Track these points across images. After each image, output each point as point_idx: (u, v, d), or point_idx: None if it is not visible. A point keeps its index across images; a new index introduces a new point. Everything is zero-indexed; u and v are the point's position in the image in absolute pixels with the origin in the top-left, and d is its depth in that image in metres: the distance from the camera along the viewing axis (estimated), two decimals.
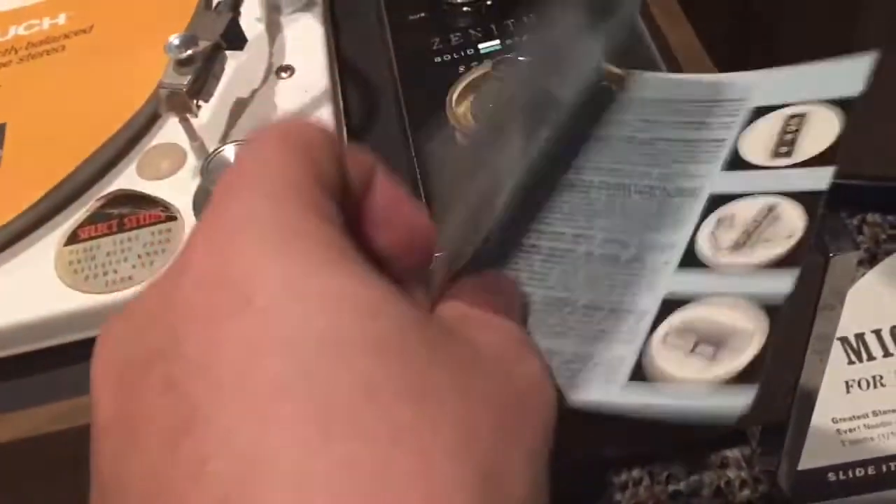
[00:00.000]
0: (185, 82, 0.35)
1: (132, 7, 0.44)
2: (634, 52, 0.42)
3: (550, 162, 0.30)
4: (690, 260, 0.25)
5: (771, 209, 0.25)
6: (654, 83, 0.34)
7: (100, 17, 0.44)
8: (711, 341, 0.22)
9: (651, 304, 0.24)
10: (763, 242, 0.23)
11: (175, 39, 0.35)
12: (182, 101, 0.36)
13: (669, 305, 0.24)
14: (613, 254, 0.26)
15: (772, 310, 0.22)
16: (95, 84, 0.41)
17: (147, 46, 0.42)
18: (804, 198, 0.25)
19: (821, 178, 0.25)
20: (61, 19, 0.44)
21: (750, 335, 0.21)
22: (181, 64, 0.36)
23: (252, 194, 0.19)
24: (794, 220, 0.24)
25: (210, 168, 0.35)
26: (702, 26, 0.42)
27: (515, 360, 0.21)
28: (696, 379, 0.21)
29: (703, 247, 0.25)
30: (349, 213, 0.21)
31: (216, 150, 0.36)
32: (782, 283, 0.22)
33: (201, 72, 0.36)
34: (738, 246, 0.24)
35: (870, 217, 0.52)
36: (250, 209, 0.19)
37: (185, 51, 0.35)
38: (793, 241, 0.23)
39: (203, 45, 0.36)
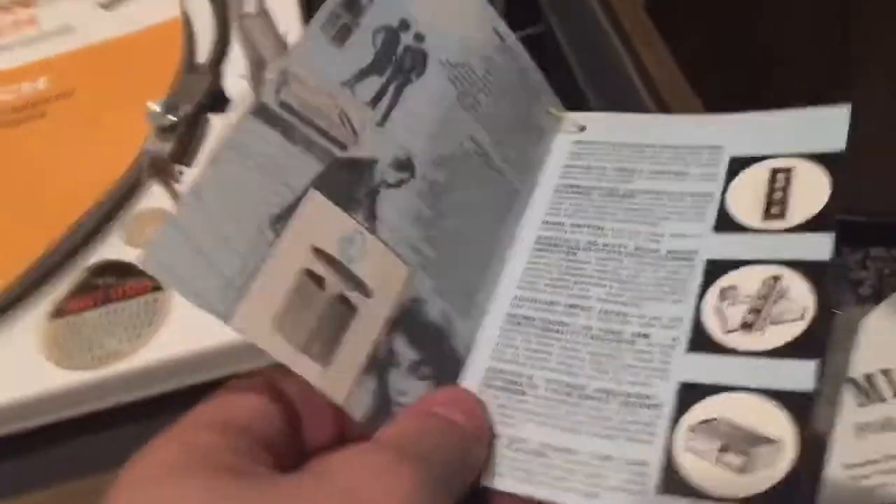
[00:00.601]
0: (169, 149, 0.34)
1: (112, 70, 0.44)
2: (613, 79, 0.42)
3: (515, 214, 0.29)
4: (700, 339, 0.24)
5: (776, 280, 0.24)
6: (624, 125, 0.33)
7: (80, 82, 0.43)
8: (739, 448, 0.21)
9: (667, 394, 0.23)
10: (774, 324, 0.23)
11: (156, 106, 0.35)
12: (165, 168, 0.35)
13: (687, 397, 0.23)
14: (615, 328, 0.25)
15: (797, 410, 0.21)
16: (77, 150, 0.40)
17: (129, 110, 0.41)
18: (808, 269, 0.24)
19: (822, 247, 0.24)
20: (41, 83, 0.44)
21: (779, 448, 0.20)
22: (163, 130, 0.35)
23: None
24: (802, 295, 0.23)
25: None
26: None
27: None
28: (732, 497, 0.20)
29: (711, 324, 0.24)
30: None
31: None
32: (803, 377, 0.21)
33: (184, 137, 0.35)
34: (747, 326, 0.23)
35: (873, 252, 0.51)
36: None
37: (167, 117, 0.34)
38: (805, 323, 0.22)
39: (184, 109, 0.35)
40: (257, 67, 0.44)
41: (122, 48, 0.44)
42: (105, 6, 0.45)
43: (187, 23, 0.46)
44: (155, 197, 0.39)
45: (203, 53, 0.44)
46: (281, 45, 0.44)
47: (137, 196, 0.39)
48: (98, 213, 0.38)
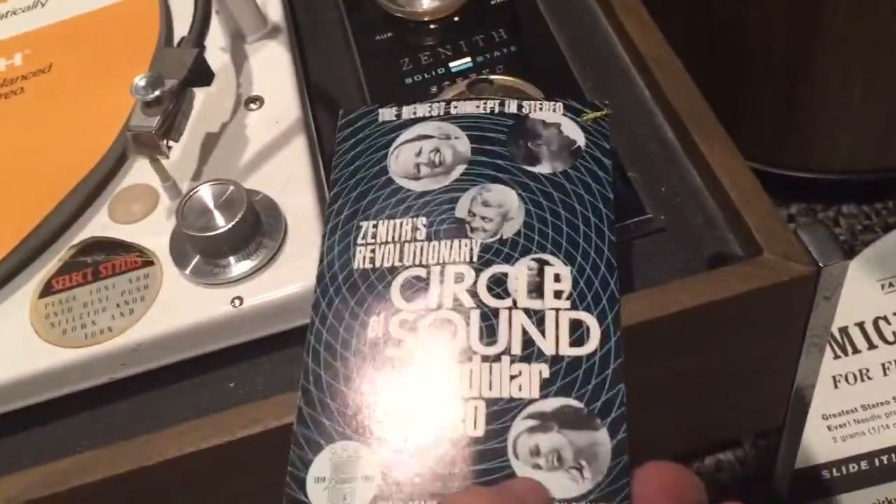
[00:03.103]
0: (154, 124, 0.34)
1: (90, 44, 0.43)
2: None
3: None
4: None
5: None
6: None
7: (57, 56, 0.43)
8: None
9: None
10: None
11: (141, 80, 0.34)
12: (152, 143, 0.35)
13: None
14: None
15: None
16: (59, 127, 0.40)
17: (108, 84, 0.41)
18: None
19: None
20: (17, 59, 0.43)
21: None
22: (149, 105, 0.35)
23: None
24: None
25: (185, 211, 0.34)
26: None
27: None
28: None
29: None
30: None
31: (191, 190, 0.35)
32: None
33: (170, 111, 0.35)
34: None
35: (845, 209, 0.52)
36: None
37: (152, 92, 0.34)
38: None
39: (170, 84, 0.35)
40: (237, 40, 0.43)
41: (98, 22, 0.44)
42: None
43: None
44: (140, 173, 0.39)
45: (181, 26, 0.44)
46: (260, 17, 0.43)
47: (122, 172, 0.39)
48: (83, 190, 0.37)
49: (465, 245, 0.31)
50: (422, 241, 0.31)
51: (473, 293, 0.30)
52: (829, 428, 0.44)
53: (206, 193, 0.35)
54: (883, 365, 0.45)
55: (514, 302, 0.29)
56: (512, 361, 0.28)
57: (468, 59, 0.43)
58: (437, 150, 0.33)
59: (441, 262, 0.30)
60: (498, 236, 0.31)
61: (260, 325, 0.34)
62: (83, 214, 0.38)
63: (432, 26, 0.45)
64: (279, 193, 0.37)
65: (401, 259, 0.31)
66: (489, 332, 0.29)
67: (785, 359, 0.37)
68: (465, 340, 0.29)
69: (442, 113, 0.34)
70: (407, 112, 0.34)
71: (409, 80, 0.43)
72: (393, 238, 0.31)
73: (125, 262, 0.35)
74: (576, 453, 0.26)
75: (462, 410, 0.27)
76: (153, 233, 0.36)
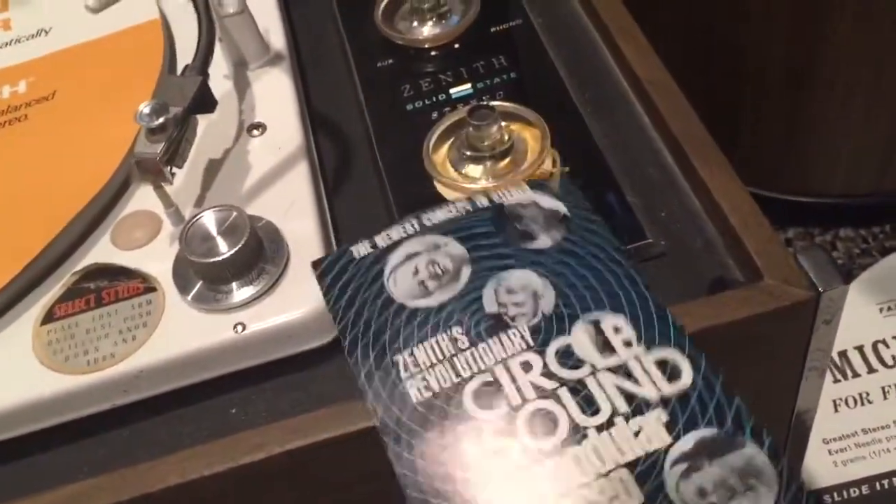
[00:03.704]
0: (159, 151, 0.35)
1: (93, 72, 0.43)
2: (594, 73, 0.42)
3: None
4: None
5: None
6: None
7: (61, 84, 0.43)
8: None
9: None
10: None
11: (145, 108, 0.35)
12: (156, 170, 0.35)
13: None
14: None
15: None
16: (62, 153, 0.40)
17: (112, 111, 0.41)
18: None
19: None
20: (21, 87, 0.43)
21: None
22: (153, 132, 0.35)
23: None
24: None
25: (188, 237, 0.35)
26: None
27: None
28: None
29: None
30: None
31: (194, 217, 0.35)
32: None
33: (174, 138, 0.35)
34: None
35: (842, 232, 0.53)
36: None
37: (157, 119, 0.35)
38: None
39: (174, 111, 0.35)
40: (239, 67, 0.44)
41: (102, 50, 0.44)
42: (94, 10, 0.45)
43: (166, 24, 0.46)
44: (143, 199, 0.39)
45: (184, 54, 0.44)
46: (262, 44, 0.44)
47: (125, 198, 0.39)
48: (86, 216, 0.38)
49: (515, 334, 0.30)
50: (468, 348, 0.30)
51: (549, 374, 0.29)
52: (829, 452, 0.44)
53: (208, 220, 0.35)
54: (883, 388, 0.45)
55: (593, 366, 0.29)
56: (626, 420, 0.28)
57: (468, 85, 0.43)
58: (433, 262, 0.33)
59: (500, 359, 0.30)
60: (539, 315, 0.31)
61: (262, 351, 0.34)
62: (86, 240, 0.38)
63: (433, 53, 0.46)
64: (281, 219, 0.37)
65: (458, 374, 0.30)
66: (588, 402, 0.28)
67: (785, 383, 0.37)
68: (568, 421, 0.28)
69: (417, 228, 0.34)
70: (381, 240, 0.34)
71: (409, 107, 0.43)
72: (437, 358, 0.30)
73: (128, 288, 0.36)
74: (741, 476, 0.26)
75: (609, 486, 0.26)
76: (156, 259, 0.36)
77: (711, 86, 0.62)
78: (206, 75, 0.38)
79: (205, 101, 0.37)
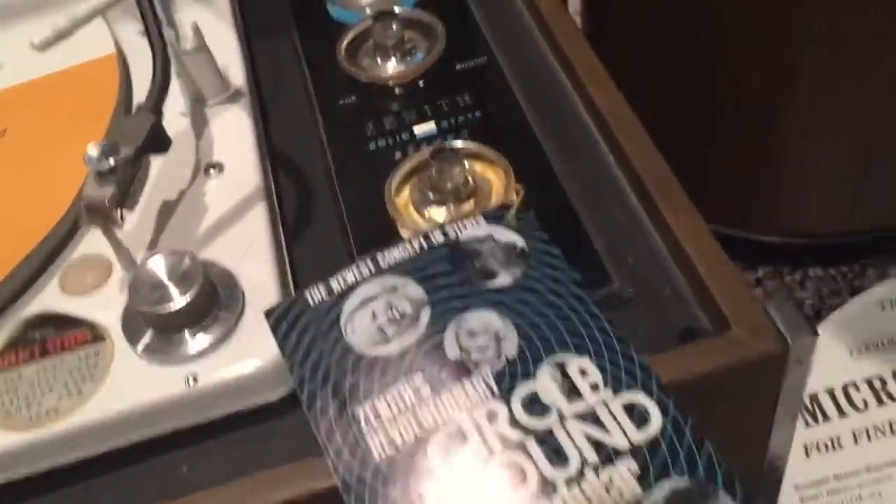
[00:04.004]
0: (108, 194, 0.33)
1: (46, 109, 0.42)
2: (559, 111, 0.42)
3: None
4: None
5: None
6: None
7: (13, 121, 0.42)
8: None
9: None
10: None
11: (94, 150, 0.33)
12: (105, 213, 0.33)
13: None
14: None
15: None
16: (10, 193, 0.39)
17: (64, 150, 0.40)
18: None
19: None
20: None
21: None
22: (102, 175, 0.33)
23: None
24: None
25: (138, 284, 0.33)
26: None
27: None
28: None
29: None
30: None
31: (143, 262, 0.34)
32: None
33: (124, 180, 0.34)
34: None
35: (812, 272, 0.52)
36: None
37: (107, 161, 0.33)
38: None
39: (125, 152, 0.34)
40: (197, 104, 0.43)
41: (55, 86, 0.43)
42: (39, 48, 0.43)
43: (122, 58, 0.44)
44: (93, 242, 0.37)
45: (141, 89, 0.43)
46: (221, 81, 0.43)
47: (74, 241, 0.38)
48: (34, 260, 0.36)
49: (478, 381, 0.29)
50: (430, 397, 0.29)
51: (516, 423, 0.28)
52: (801, 500, 0.43)
53: (158, 265, 0.33)
54: (854, 433, 0.44)
55: (560, 413, 0.28)
56: (596, 471, 0.27)
57: (432, 123, 0.42)
58: (391, 306, 0.32)
59: (464, 408, 0.29)
60: (503, 360, 0.30)
61: (216, 405, 0.33)
62: (33, 285, 0.36)
63: (396, 91, 0.45)
64: (238, 263, 0.35)
65: (421, 426, 0.29)
66: (556, 453, 0.27)
67: (756, 430, 0.36)
68: (537, 475, 0.27)
69: (373, 269, 0.33)
70: (336, 284, 0.33)
71: (372, 146, 0.42)
72: (400, 409, 0.29)
73: (75, 337, 0.34)
74: None
75: None
76: (105, 306, 0.35)
77: (682, 124, 0.62)
78: (159, 114, 0.37)
79: (158, 141, 0.36)
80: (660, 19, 0.62)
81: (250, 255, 0.36)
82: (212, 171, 0.40)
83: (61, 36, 0.44)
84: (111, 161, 0.33)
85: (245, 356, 0.33)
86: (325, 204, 0.41)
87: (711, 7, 0.60)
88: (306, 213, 0.41)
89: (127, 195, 0.34)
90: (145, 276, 0.33)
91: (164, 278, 0.33)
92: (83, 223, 0.34)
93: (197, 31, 0.41)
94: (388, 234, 0.37)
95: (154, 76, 0.38)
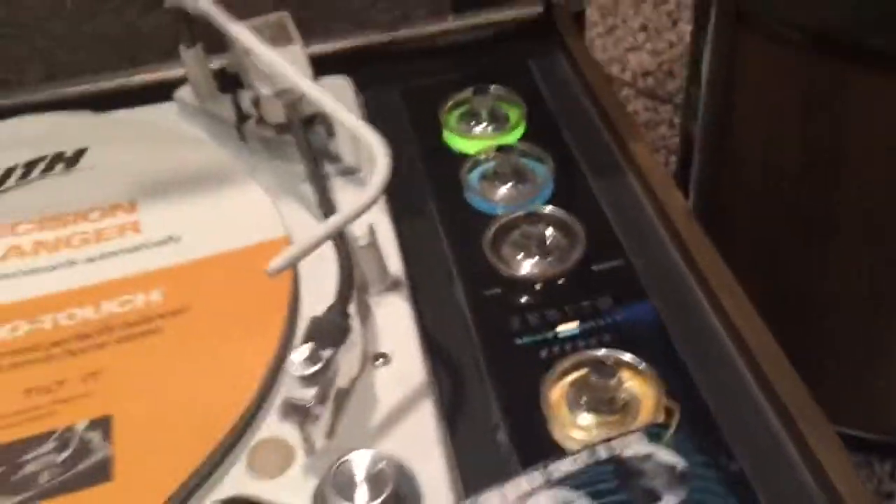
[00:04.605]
0: (309, 396, 0.37)
1: (223, 287, 0.46)
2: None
3: None
4: None
5: None
6: None
7: (195, 298, 0.45)
8: None
9: None
10: None
11: (298, 356, 0.37)
12: (307, 413, 0.37)
13: None
14: None
15: None
16: (197, 372, 0.42)
17: (246, 332, 0.43)
18: None
19: None
20: (154, 296, 0.46)
21: None
22: (306, 377, 0.37)
23: None
24: None
25: (335, 477, 0.36)
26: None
27: None
28: None
29: None
30: None
31: (342, 459, 0.37)
32: None
33: (324, 383, 0.37)
34: None
35: None
36: None
37: (311, 367, 0.37)
38: None
39: (325, 356, 0.38)
40: (361, 293, 0.46)
41: (231, 265, 0.47)
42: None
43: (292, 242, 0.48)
44: (273, 427, 0.41)
45: (305, 269, 0.46)
46: (385, 271, 0.47)
47: (256, 425, 0.41)
48: (225, 444, 0.39)
49: None
50: None
51: None
52: None
53: (359, 462, 0.36)
54: None
55: None
56: None
57: (575, 324, 0.46)
58: None
59: None
60: None
61: None
62: (220, 466, 0.39)
63: (537, 287, 0.49)
64: (412, 458, 0.38)
65: None
66: None
67: None
68: None
69: (545, 480, 0.36)
70: (510, 491, 0.36)
71: (518, 341, 0.46)
72: None
73: None
74: None
75: None
76: (293, 490, 0.38)
77: (789, 322, 0.65)
78: (346, 316, 0.40)
79: (345, 339, 0.40)
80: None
81: (422, 452, 0.39)
82: (378, 361, 0.43)
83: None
84: (316, 367, 0.37)
85: None
86: (478, 395, 0.44)
87: (821, 229, 0.65)
88: (461, 403, 0.44)
89: (324, 395, 0.38)
90: (342, 471, 0.36)
91: (358, 478, 0.36)
92: (283, 419, 0.38)
93: (371, 230, 0.45)
94: (541, 432, 0.41)
95: (340, 276, 0.42)
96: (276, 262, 0.37)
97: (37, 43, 0.69)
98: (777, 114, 0.61)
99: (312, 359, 0.37)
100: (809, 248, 0.65)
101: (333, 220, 0.40)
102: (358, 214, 0.40)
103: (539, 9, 0.67)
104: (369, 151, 0.42)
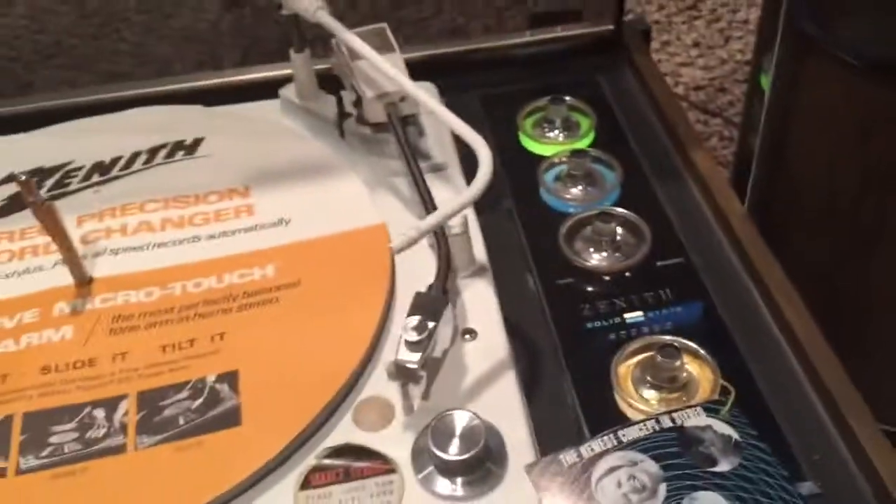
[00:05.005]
0: (417, 359, 0.43)
1: (330, 264, 0.52)
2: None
3: None
4: None
5: None
6: None
7: (305, 273, 0.51)
8: None
9: None
10: None
11: (412, 322, 0.43)
12: (412, 375, 0.43)
13: None
14: None
15: None
16: (311, 337, 0.48)
17: (353, 304, 0.49)
18: None
19: None
20: (269, 270, 0.52)
21: None
22: (411, 343, 0.43)
23: None
24: None
25: (434, 431, 0.42)
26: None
27: None
28: None
29: None
30: None
31: (442, 413, 0.42)
32: None
33: (427, 350, 0.43)
34: None
35: None
36: None
37: (420, 334, 0.43)
38: None
39: (430, 326, 0.43)
40: (451, 276, 0.52)
41: (336, 245, 0.53)
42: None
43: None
44: (377, 386, 0.46)
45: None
46: (473, 257, 0.52)
47: (361, 384, 0.47)
48: (336, 400, 0.45)
49: None
50: None
51: None
52: None
53: (461, 418, 0.42)
54: None
55: None
56: None
57: (640, 312, 0.51)
58: (633, 477, 0.41)
59: None
60: None
61: None
62: (331, 419, 0.45)
63: (606, 278, 0.54)
64: (499, 421, 0.44)
65: None
66: None
67: None
68: None
69: (615, 443, 0.42)
70: (586, 451, 0.42)
71: (589, 325, 0.51)
72: None
73: (371, 468, 0.43)
74: None
75: None
76: (394, 443, 0.44)
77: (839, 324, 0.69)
78: (446, 292, 0.46)
79: (443, 313, 0.46)
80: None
81: (507, 417, 0.45)
82: (467, 336, 0.49)
83: None
84: (422, 336, 0.43)
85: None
86: (553, 370, 0.49)
87: (875, 249, 0.69)
88: (538, 377, 0.49)
89: (426, 362, 0.44)
90: (441, 425, 0.42)
91: (455, 432, 0.42)
92: (392, 379, 0.44)
93: (465, 221, 0.51)
94: (608, 404, 0.46)
95: (439, 261, 0.48)
96: (399, 241, 0.43)
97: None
98: (836, 135, 0.65)
99: (419, 329, 0.43)
100: (860, 259, 0.69)
101: (443, 210, 0.46)
102: (465, 206, 0.46)
103: (610, 26, 0.73)
104: (473, 150, 0.48)
